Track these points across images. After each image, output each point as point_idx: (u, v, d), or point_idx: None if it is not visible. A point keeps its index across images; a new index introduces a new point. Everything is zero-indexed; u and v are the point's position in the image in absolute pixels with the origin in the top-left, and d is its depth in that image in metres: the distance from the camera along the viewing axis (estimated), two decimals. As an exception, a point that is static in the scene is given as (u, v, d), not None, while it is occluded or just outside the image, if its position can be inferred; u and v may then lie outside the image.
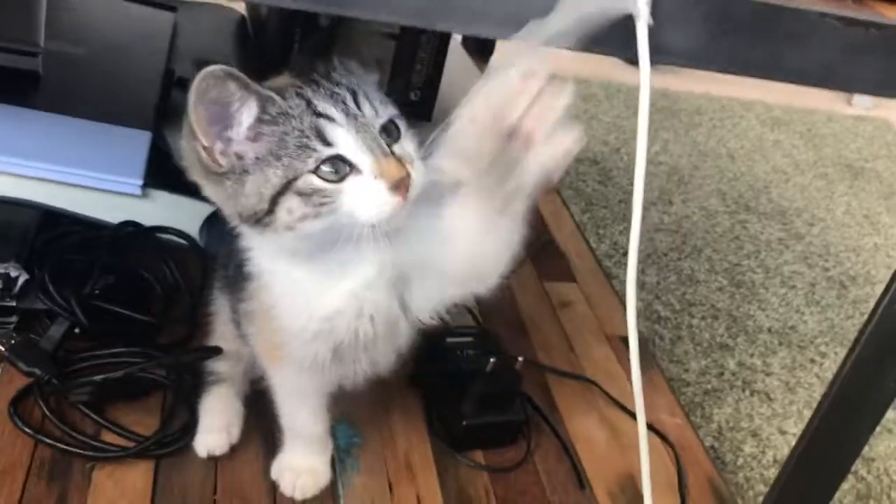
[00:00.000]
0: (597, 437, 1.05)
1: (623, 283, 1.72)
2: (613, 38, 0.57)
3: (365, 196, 0.66)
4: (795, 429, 1.49)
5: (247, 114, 0.65)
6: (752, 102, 2.78)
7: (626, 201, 2.05)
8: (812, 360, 1.66)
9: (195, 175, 0.69)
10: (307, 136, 0.65)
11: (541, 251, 1.37)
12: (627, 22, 0.57)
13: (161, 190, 1.08)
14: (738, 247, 1.99)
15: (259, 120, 0.66)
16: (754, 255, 1.97)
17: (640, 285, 1.75)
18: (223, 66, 0.63)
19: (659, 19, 0.57)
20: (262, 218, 0.67)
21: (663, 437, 1.07)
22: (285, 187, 0.65)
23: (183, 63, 1.34)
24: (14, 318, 0.97)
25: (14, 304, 0.97)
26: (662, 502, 0.99)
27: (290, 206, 0.66)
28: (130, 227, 1.07)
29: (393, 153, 0.68)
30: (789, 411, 1.53)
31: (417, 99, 1.42)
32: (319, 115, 0.66)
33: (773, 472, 1.38)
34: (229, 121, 0.65)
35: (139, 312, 1.00)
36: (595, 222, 1.94)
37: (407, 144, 0.70)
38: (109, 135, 1.10)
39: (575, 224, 1.51)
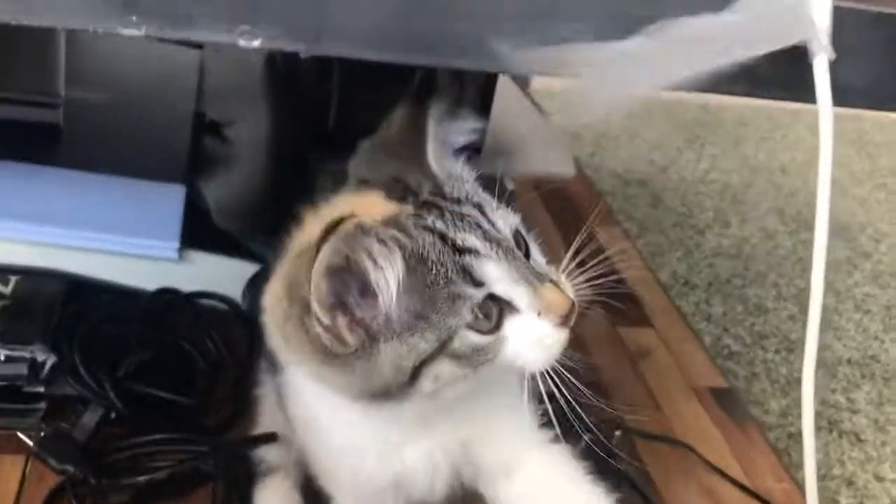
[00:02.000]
0: (700, 511, 0.93)
1: (690, 315, 1.58)
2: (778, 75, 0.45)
3: (531, 339, 0.52)
4: (893, 474, 1.36)
5: (392, 275, 0.50)
6: (798, 110, 2.66)
7: (681, 224, 1.93)
8: (900, 394, 1.54)
9: (300, 358, 0.54)
10: (454, 282, 0.50)
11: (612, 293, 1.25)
12: (796, 56, 0.45)
13: (198, 251, 0.98)
14: (803, 269, 1.86)
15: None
16: (822, 278, 1.84)
17: (706, 318, 1.63)
18: (360, 222, 0.48)
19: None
20: (397, 393, 0.52)
21: (773, 509, 0.95)
22: (437, 352, 0.51)
23: (212, 105, 1.24)
24: (42, 406, 0.87)
25: (42, 389, 0.86)
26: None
27: (440, 372, 0.51)
28: (167, 294, 0.96)
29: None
30: (883, 454, 1.40)
31: (467, 132, 1.30)
32: (461, 250, 0.51)
33: (875, 527, 1.26)
34: (364, 289, 0.50)
35: (180, 392, 0.89)
36: (650, 249, 1.82)
37: (539, 257, 0.56)
38: (140, 192, 1.00)
39: (640, 258, 1.40)
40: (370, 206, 0.55)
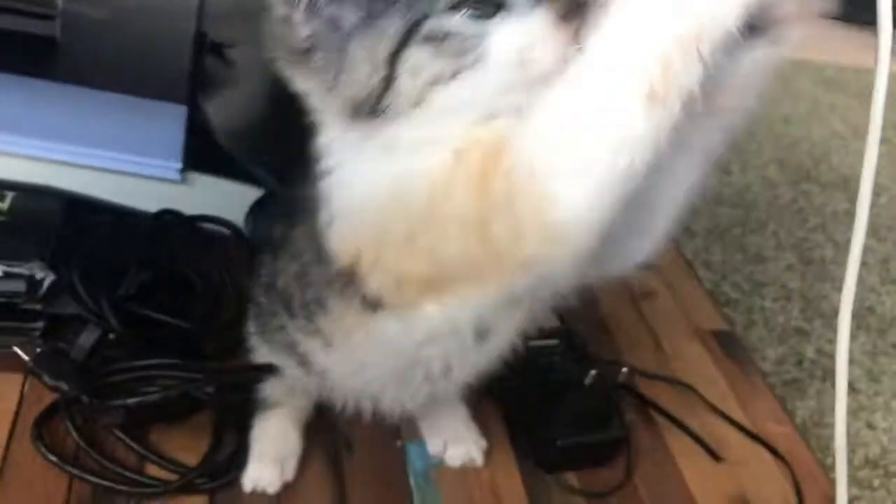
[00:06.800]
0: (700, 452, 0.93)
1: (699, 266, 1.57)
2: None
3: (522, 31, 0.50)
4: (884, 423, 1.37)
5: None
6: (802, 62, 2.64)
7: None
8: (894, 346, 1.54)
9: (284, 64, 0.55)
10: None
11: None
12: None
13: (201, 173, 0.95)
14: (802, 220, 1.86)
15: None
16: (821, 229, 1.84)
17: (705, 265, 1.62)
18: None
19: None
20: (381, 97, 0.51)
21: (773, 451, 0.95)
22: (407, 36, 0.49)
23: (214, 25, 1.20)
24: (40, 324, 0.85)
25: (40, 307, 0.84)
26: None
27: (416, 62, 0.50)
28: (169, 216, 0.94)
29: None
30: (876, 403, 1.41)
31: None
32: None
33: (865, 474, 1.27)
34: None
35: (180, 315, 0.88)
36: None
37: None
38: (140, 110, 0.98)
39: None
40: None
